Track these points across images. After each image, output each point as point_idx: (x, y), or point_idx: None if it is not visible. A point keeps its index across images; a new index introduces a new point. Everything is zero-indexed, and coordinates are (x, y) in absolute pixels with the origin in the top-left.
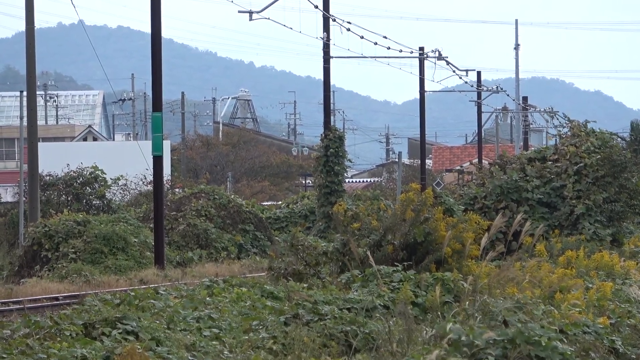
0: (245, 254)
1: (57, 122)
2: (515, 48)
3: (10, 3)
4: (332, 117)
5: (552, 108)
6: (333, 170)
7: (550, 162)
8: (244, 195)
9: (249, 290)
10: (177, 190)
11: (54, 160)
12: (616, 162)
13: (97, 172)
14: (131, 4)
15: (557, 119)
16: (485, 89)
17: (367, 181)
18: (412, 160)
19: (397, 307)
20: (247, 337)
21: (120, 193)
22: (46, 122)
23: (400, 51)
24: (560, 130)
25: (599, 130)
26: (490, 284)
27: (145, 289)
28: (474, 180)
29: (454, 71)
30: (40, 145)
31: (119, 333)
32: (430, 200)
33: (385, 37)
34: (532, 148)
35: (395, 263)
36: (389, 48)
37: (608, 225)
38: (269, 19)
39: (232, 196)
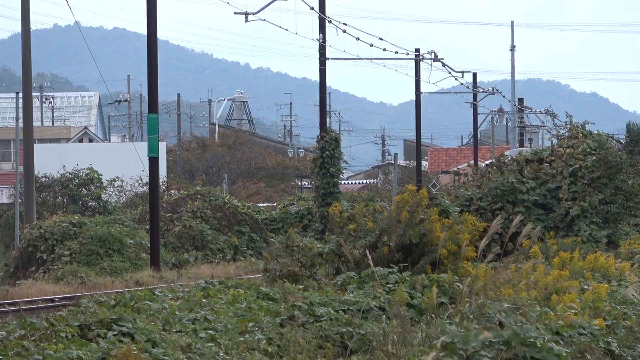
0: (241, 255)
1: (53, 124)
2: (511, 50)
3: (6, 4)
4: (327, 119)
5: (551, 107)
6: (329, 172)
7: (546, 164)
8: (239, 196)
9: (244, 292)
10: (172, 191)
11: (50, 161)
12: (612, 163)
13: (92, 173)
14: (127, 5)
15: (558, 119)
16: (481, 90)
17: (363, 183)
18: (408, 162)
19: (393, 308)
20: (242, 339)
21: (116, 195)
22: (42, 124)
23: (396, 53)
24: (559, 131)
25: (595, 132)
26: (486, 285)
27: (141, 291)
28: (470, 182)
29: (449, 73)
30: (36, 146)
31: (115, 335)
32: (425, 201)
33: (381, 39)
34: (526, 148)
35: (391, 264)
36: (384, 50)
37: (604, 226)
38: (264, 20)
39: (228, 198)
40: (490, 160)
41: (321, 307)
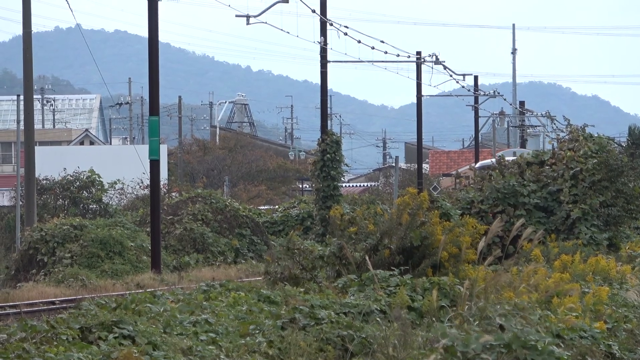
0: (242, 258)
1: (54, 126)
2: (512, 52)
3: (8, 7)
4: (329, 122)
5: (547, 111)
6: (330, 175)
7: (547, 167)
8: (240, 199)
9: (245, 295)
10: (173, 194)
11: (51, 164)
12: (613, 166)
13: (93, 176)
14: (128, 8)
15: (556, 122)
16: (482, 93)
17: (364, 185)
18: (409, 165)
19: (394, 311)
20: (243, 342)
21: (117, 197)
22: (43, 126)
23: (398, 55)
24: (559, 134)
25: (596, 135)
26: (486, 288)
27: (142, 293)
28: (471, 185)
29: (451, 76)
30: (37, 149)
31: (115, 337)
32: (426, 203)
33: (382, 42)
34: (523, 149)
35: (392, 267)
36: (386, 52)
37: (605, 229)
38: (266, 23)
39: (229, 200)
40: (484, 162)
41: (322, 310)
